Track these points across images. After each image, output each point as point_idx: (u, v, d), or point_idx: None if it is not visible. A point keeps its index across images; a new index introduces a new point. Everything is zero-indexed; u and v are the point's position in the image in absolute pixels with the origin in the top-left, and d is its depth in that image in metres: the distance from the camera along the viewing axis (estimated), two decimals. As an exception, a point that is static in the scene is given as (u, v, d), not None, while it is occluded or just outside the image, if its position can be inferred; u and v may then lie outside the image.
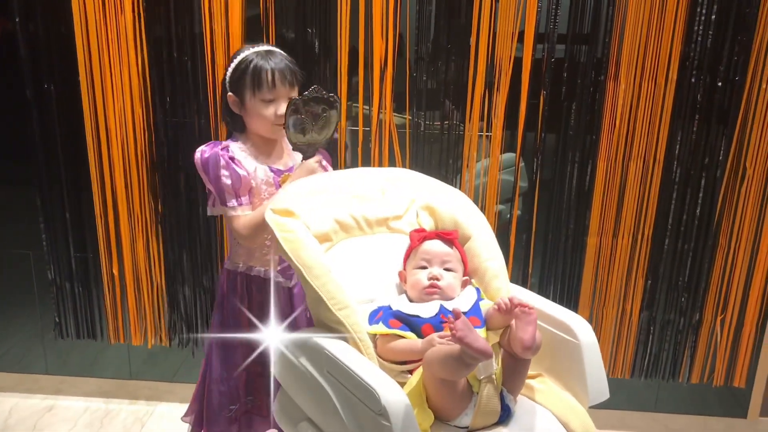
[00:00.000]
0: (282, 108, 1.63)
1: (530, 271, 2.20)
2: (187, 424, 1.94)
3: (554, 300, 2.17)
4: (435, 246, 1.57)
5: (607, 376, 2.21)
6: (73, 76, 2.08)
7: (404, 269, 1.63)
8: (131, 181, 2.17)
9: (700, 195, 2.10)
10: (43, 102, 2.13)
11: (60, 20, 2.04)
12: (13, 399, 2.50)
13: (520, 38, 1.99)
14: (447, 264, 1.55)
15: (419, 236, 1.60)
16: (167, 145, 2.14)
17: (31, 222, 2.25)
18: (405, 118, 2.09)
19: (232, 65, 1.68)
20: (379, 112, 2.06)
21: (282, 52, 1.70)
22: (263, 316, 1.77)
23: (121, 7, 2.01)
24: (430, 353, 1.32)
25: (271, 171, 1.71)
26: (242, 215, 1.66)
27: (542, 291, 2.22)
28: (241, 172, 1.65)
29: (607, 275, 2.19)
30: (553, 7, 1.96)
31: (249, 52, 1.67)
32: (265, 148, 1.73)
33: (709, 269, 2.17)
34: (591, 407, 1.47)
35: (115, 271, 2.27)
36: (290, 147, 1.69)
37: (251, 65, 1.64)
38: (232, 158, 1.65)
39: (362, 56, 2.02)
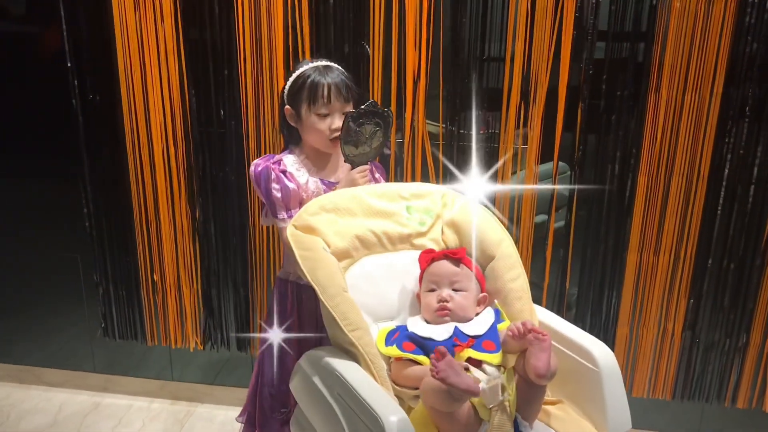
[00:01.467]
0: (336, 122, 1.67)
1: (567, 286, 2.14)
2: (240, 424, 1.98)
3: (592, 316, 2.14)
4: (442, 267, 1.55)
5: (648, 396, 2.18)
6: (115, 86, 2.15)
7: (420, 291, 1.61)
8: (171, 188, 2.22)
9: (748, 212, 1.99)
10: (88, 111, 2.20)
11: (102, 31, 2.10)
12: (63, 395, 2.61)
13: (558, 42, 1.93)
14: (456, 284, 1.53)
15: (427, 258, 1.58)
16: (203, 152, 2.18)
17: (79, 226, 2.34)
18: (439, 127, 2.06)
19: (291, 79, 1.71)
20: (412, 122, 2.04)
21: (339, 67, 1.72)
22: (313, 324, 1.78)
23: (161, 17, 2.06)
24: (424, 384, 1.30)
25: (323, 184, 1.74)
26: (285, 227, 1.68)
27: (579, 308, 2.16)
28: (291, 185, 1.68)
29: (648, 293, 2.11)
30: (591, 18, 1.90)
31: (307, 67, 1.70)
32: (319, 161, 1.76)
33: (757, 289, 2.06)
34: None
35: (156, 276, 2.34)
36: (342, 160, 1.73)
37: (309, 80, 1.67)
38: (284, 171, 1.70)
39: (395, 65, 2.00)
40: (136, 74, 2.12)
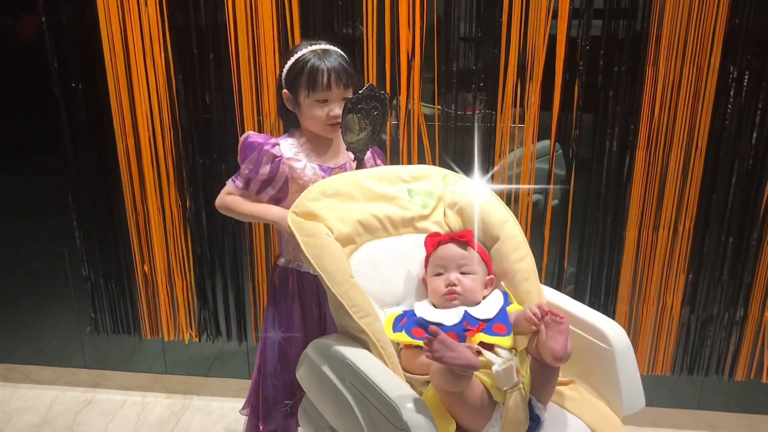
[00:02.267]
0: (335, 109, 1.63)
1: (566, 264, 2.13)
2: (245, 417, 1.94)
3: (592, 294, 2.13)
4: (449, 250, 1.53)
5: (648, 372, 2.18)
6: (99, 74, 2.08)
7: (426, 275, 1.59)
8: (159, 177, 2.17)
9: (745, 185, 1.99)
10: (71, 100, 2.13)
11: (84, 17, 2.03)
12: (53, 392, 2.55)
13: (554, 15, 1.90)
14: (463, 267, 1.50)
15: (433, 241, 1.56)
16: (192, 139, 2.12)
17: (65, 219, 2.27)
18: (434, 109, 2.03)
19: (289, 63, 1.66)
20: (407, 103, 2.01)
21: (338, 50, 1.67)
22: (315, 311, 1.77)
23: (145, 1, 1.99)
24: (431, 368, 1.27)
25: (321, 170, 1.69)
26: (231, 192, 1.69)
27: (579, 285, 2.15)
28: (262, 170, 1.65)
29: (647, 269, 2.11)
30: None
31: (306, 50, 1.64)
32: (318, 146, 1.72)
33: (755, 262, 2.06)
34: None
35: (147, 268, 2.28)
36: (342, 144, 1.70)
37: (308, 65, 1.62)
38: (276, 156, 1.65)
39: (388, 45, 1.96)
40: (120, 60, 2.06)
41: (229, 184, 1.70)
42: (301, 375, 1.52)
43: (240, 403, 2.43)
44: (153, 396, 2.52)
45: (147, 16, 2.00)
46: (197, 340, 2.36)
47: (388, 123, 2.00)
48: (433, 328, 1.23)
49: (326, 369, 1.40)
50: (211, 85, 2.06)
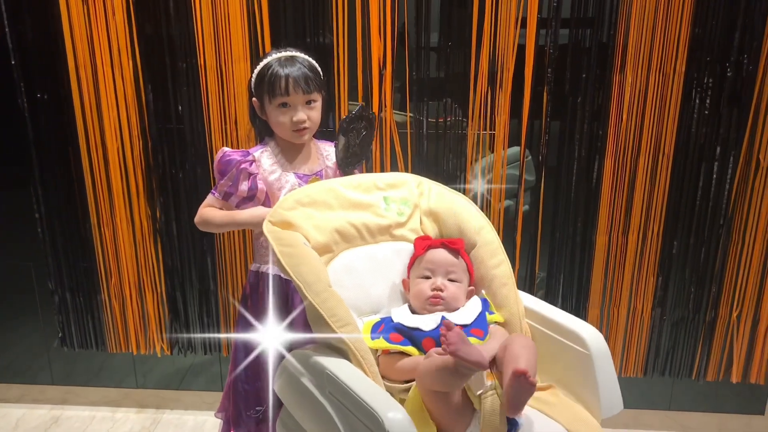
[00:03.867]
0: (299, 114, 1.63)
1: (537, 268, 2.15)
2: (220, 420, 1.92)
3: (564, 298, 2.15)
4: (440, 255, 1.53)
5: (620, 375, 2.21)
6: (65, 84, 2.04)
7: (408, 277, 1.59)
8: (128, 187, 2.13)
9: (712, 188, 2.03)
10: (36, 111, 2.08)
11: (49, 26, 1.99)
12: (20, 410, 2.48)
13: (523, 24, 1.92)
14: (451, 275, 1.51)
15: (424, 244, 1.56)
16: (162, 151, 2.09)
17: (31, 233, 2.22)
18: (406, 116, 2.03)
19: (255, 70, 1.67)
20: (379, 112, 2.01)
21: (305, 57, 1.67)
22: (285, 314, 1.74)
23: (112, 10, 1.96)
24: (423, 365, 1.26)
25: (298, 177, 1.70)
26: (211, 205, 1.69)
27: (550, 290, 2.17)
28: (242, 187, 1.65)
29: (618, 273, 2.14)
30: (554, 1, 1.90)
31: (271, 58, 1.66)
32: (291, 153, 1.72)
33: (723, 265, 2.11)
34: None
35: (116, 281, 2.24)
36: (317, 151, 1.74)
37: (269, 71, 1.63)
38: (252, 173, 1.66)
39: (360, 54, 1.96)
40: (87, 70, 2.02)
41: (209, 198, 1.70)
42: (280, 386, 1.50)
43: (213, 415, 2.40)
44: (123, 411, 2.46)
45: (114, 24, 1.97)
46: (169, 353, 2.32)
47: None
48: (447, 321, 1.22)
49: (305, 380, 1.39)
50: (181, 94, 2.03)
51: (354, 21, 1.94)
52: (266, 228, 1.48)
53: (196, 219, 1.71)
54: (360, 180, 1.66)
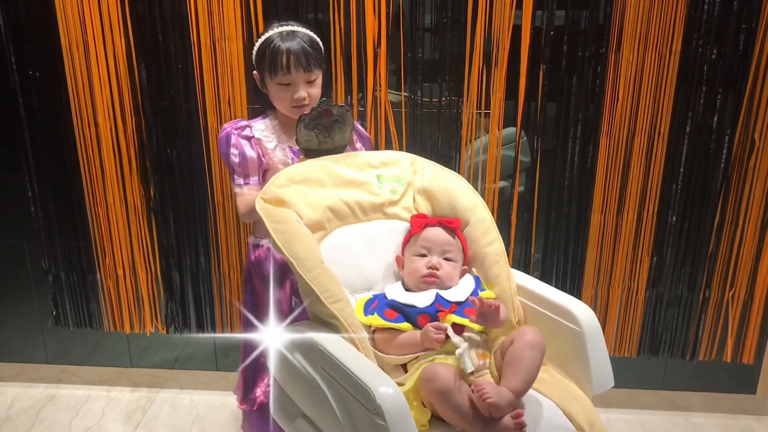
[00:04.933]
0: (300, 91, 1.63)
1: (532, 249, 2.15)
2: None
3: (558, 279, 2.15)
4: (437, 234, 1.53)
5: (614, 355, 2.22)
6: (57, 62, 2.03)
7: (402, 254, 1.59)
8: (121, 166, 2.12)
9: (707, 169, 2.03)
10: (29, 90, 2.07)
11: (40, 3, 1.97)
12: (15, 389, 2.49)
13: (518, 5, 1.91)
14: (447, 254, 1.51)
15: (421, 222, 1.55)
16: (156, 130, 2.08)
17: (24, 211, 2.21)
18: (401, 96, 2.02)
19: (257, 44, 1.67)
20: (374, 90, 2.00)
21: (306, 32, 1.66)
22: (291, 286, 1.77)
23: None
24: (439, 384, 1.26)
25: (292, 152, 1.71)
26: (245, 194, 1.68)
27: (545, 270, 2.17)
28: (250, 153, 1.66)
29: (612, 253, 2.14)
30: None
31: (273, 32, 1.65)
32: (291, 127, 1.70)
33: (717, 245, 2.11)
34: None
35: (110, 260, 2.24)
36: None
37: (270, 46, 1.62)
38: (248, 137, 1.67)
39: (354, 33, 1.95)
40: (79, 47, 2.00)
41: (236, 189, 1.69)
42: (272, 363, 1.50)
43: (209, 394, 2.43)
44: (118, 390, 2.47)
45: (107, 2, 1.95)
46: (164, 332, 2.32)
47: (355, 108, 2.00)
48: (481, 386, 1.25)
49: (298, 356, 1.39)
50: (174, 72, 2.02)
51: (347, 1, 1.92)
52: (258, 205, 1.47)
53: (242, 209, 1.69)
54: (353, 158, 1.65)
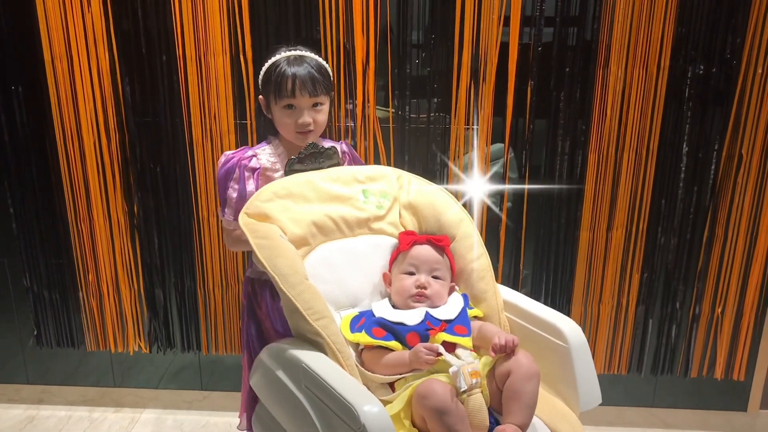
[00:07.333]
0: (304, 117, 1.60)
1: (521, 266, 2.13)
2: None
3: (547, 295, 2.14)
4: (425, 252, 1.51)
5: (604, 372, 2.20)
6: (40, 76, 2.00)
7: (389, 271, 1.56)
8: (105, 182, 2.10)
9: (696, 185, 2.02)
10: (10, 104, 2.05)
11: (24, 17, 1.96)
12: (-6, 410, 2.44)
13: (506, 23, 1.91)
14: (436, 272, 1.49)
15: (409, 240, 1.53)
16: (140, 145, 2.06)
17: (5, 228, 2.18)
18: (389, 112, 2.01)
19: (264, 67, 1.64)
20: (363, 107, 1.98)
21: (315, 57, 1.63)
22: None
23: (88, 4, 1.93)
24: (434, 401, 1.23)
25: None
26: (234, 230, 1.63)
27: (534, 286, 2.15)
28: (250, 189, 1.61)
29: (602, 269, 2.12)
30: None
31: (281, 56, 1.61)
32: (294, 152, 1.66)
33: (707, 261, 2.10)
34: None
35: (92, 278, 2.20)
36: None
37: (276, 70, 1.59)
38: (254, 169, 1.63)
39: (342, 50, 1.94)
40: (63, 63, 1.99)
41: (225, 223, 1.66)
42: (255, 381, 1.47)
43: (193, 415, 2.38)
44: (101, 411, 2.42)
45: (90, 16, 1.94)
46: (147, 351, 2.28)
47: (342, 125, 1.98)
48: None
49: (281, 374, 1.36)
50: (158, 87, 2.00)
51: (337, 17, 1.91)
52: (242, 220, 1.45)
53: (228, 242, 1.69)
54: (339, 173, 1.63)
